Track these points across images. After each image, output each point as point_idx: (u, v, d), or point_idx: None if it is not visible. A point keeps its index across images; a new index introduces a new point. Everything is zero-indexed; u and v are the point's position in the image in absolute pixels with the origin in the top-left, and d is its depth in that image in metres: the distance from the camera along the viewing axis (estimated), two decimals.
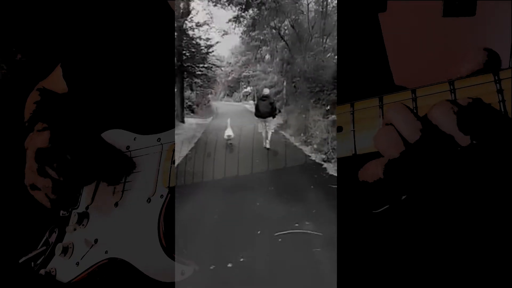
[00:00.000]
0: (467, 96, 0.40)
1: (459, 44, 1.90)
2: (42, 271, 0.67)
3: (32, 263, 0.70)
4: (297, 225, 1.88)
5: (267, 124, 4.98)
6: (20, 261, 0.70)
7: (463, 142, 0.38)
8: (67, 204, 0.72)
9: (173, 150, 0.64)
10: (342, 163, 0.45)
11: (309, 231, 1.75)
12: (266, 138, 4.61)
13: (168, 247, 0.59)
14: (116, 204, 0.66)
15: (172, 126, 0.67)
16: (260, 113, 4.83)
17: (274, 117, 5.09)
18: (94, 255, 0.65)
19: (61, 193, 0.61)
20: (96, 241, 0.66)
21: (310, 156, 2.92)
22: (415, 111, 0.42)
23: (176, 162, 0.63)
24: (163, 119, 0.70)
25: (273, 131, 5.02)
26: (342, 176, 0.63)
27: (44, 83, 0.87)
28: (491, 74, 0.39)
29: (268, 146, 3.97)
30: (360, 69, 0.68)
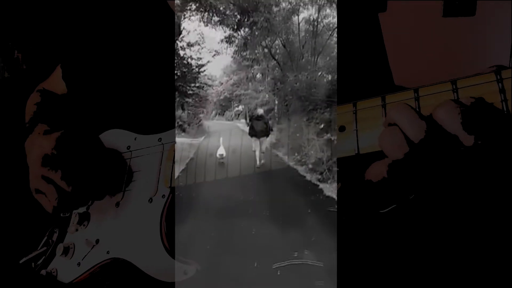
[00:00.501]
0: (469, 96, 0.45)
1: (459, 44, 1.94)
2: (43, 272, 0.73)
3: (33, 263, 0.76)
4: (296, 254, 1.74)
5: (261, 143, 5.15)
6: (20, 261, 0.77)
7: (467, 142, 0.44)
8: (69, 210, 0.69)
9: (174, 150, 0.63)
10: (344, 162, 0.51)
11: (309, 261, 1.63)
12: (260, 157, 4.75)
13: (170, 247, 0.64)
14: (118, 204, 0.71)
15: (172, 126, 0.70)
16: (255, 132, 5.06)
17: (268, 136, 5.27)
18: (95, 255, 0.71)
19: (64, 201, 0.69)
20: (97, 241, 0.72)
21: (305, 177, 2.84)
22: (418, 110, 0.46)
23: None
24: (164, 118, 0.77)
25: (263, 152, 5.16)
26: (344, 176, 0.64)
27: (44, 84, 0.90)
28: (493, 74, 0.44)
29: (261, 163, 4.08)
30: (360, 68, 0.73)
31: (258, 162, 3.39)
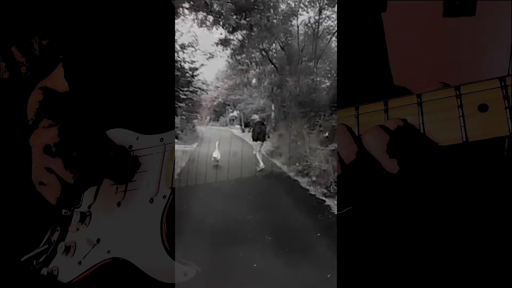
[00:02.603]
0: (400, 117, 0.41)
1: (458, 44, 1.79)
2: (44, 270, 0.68)
3: (34, 261, 0.70)
4: None
5: (260, 147, 5.11)
6: (22, 259, 0.70)
7: (389, 167, 0.41)
8: (73, 202, 0.69)
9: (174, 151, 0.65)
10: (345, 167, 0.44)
11: None
12: (259, 160, 4.76)
13: (170, 248, 0.60)
14: (119, 204, 0.66)
15: (172, 127, 0.69)
16: (256, 137, 5.08)
17: (264, 141, 5.20)
18: (96, 254, 0.65)
19: (67, 190, 0.61)
20: (98, 240, 0.66)
21: (308, 190, 2.51)
22: (356, 131, 0.43)
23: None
24: (165, 118, 0.72)
25: (264, 153, 5.19)
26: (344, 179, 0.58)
27: (45, 82, 0.86)
28: (497, 80, 0.37)
29: (261, 167, 4.04)
30: (360, 68, 0.69)
31: (258, 166, 3.12)
